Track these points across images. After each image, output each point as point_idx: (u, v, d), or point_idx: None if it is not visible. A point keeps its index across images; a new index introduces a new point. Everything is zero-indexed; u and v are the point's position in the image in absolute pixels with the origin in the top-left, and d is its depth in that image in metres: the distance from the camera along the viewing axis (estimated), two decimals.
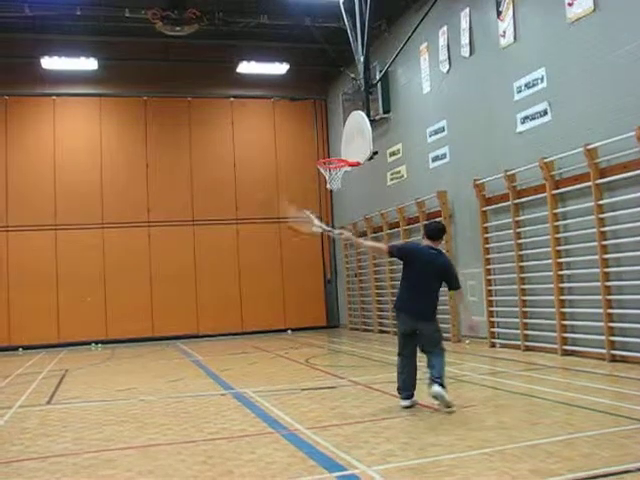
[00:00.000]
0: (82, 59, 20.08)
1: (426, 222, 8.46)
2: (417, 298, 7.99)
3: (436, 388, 7.57)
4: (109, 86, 21.97)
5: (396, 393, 8.17)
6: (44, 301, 20.86)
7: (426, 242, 8.17)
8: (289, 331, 22.45)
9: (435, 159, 16.74)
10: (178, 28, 18.24)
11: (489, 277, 14.45)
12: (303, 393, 9.60)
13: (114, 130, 22.34)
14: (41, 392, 11.08)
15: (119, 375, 13.38)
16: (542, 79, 12.67)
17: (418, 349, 8.01)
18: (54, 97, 21.68)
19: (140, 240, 21.95)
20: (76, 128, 22.00)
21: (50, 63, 19.95)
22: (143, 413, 8.66)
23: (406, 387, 7.97)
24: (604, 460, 5.35)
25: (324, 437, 6.63)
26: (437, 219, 14.76)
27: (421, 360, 8.01)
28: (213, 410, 8.59)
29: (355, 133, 13.77)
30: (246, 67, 21.75)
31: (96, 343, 20.81)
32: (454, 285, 8.18)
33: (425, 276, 7.97)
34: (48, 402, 10.02)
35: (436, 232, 8.24)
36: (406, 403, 7.89)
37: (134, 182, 22.12)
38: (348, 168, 13.84)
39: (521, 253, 13.30)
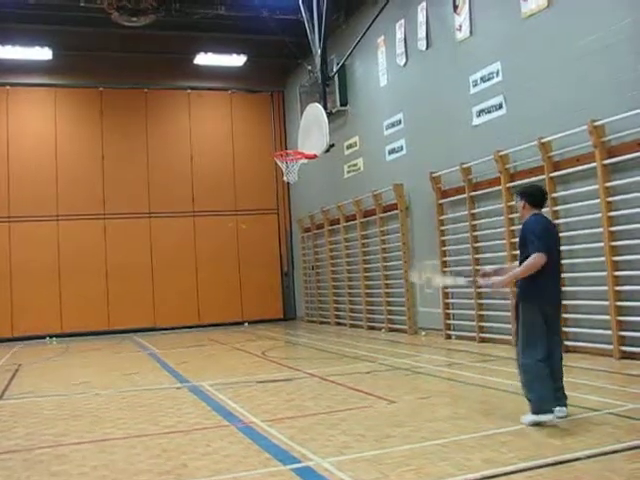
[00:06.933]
0: (36, 48, 19.80)
1: (527, 187, 7.19)
2: (558, 278, 6.78)
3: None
4: (64, 76, 21.61)
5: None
6: None
7: (535, 211, 6.70)
8: (246, 324, 22.40)
9: (392, 152, 16.80)
10: (134, 19, 18.00)
11: (445, 269, 14.55)
12: (259, 386, 9.59)
13: (69, 121, 22.03)
14: None
15: (74, 369, 13.24)
16: (497, 73, 12.78)
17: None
18: (7, 87, 21.28)
19: (96, 232, 21.70)
20: (30, 119, 21.63)
21: (3, 52, 19.61)
22: (98, 407, 8.58)
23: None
24: (556, 448, 5.43)
25: (279, 429, 6.63)
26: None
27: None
28: (169, 403, 8.54)
29: (312, 125, 13.77)
30: (203, 58, 21.62)
31: (51, 337, 20.55)
32: None
33: (556, 252, 6.66)
34: (0, 397, 9.88)
35: (544, 198, 6.88)
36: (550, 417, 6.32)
37: (89, 174, 21.84)
38: (305, 160, 13.85)
39: (476, 245, 13.42)
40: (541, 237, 6.43)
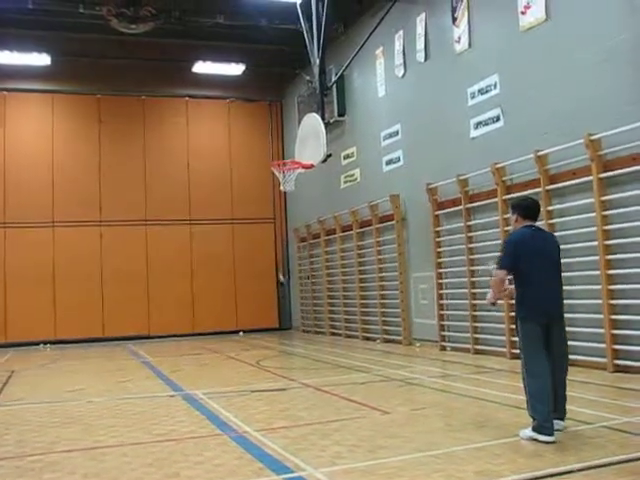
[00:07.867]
0: (34, 54, 19.78)
1: (519, 200, 7.11)
2: (550, 290, 6.56)
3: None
4: (62, 83, 21.61)
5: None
6: None
7: (526, 223, 6.66)
8: (241, 333, 22.35)
9: (389, 163, 16.82)
10: (133, 26, 17.98)
11: (440, 281, 14.55)
12: (253, 395, 9.56)
13: (66, 127, 22.01)
14: None
15: (67, 376, 13.20)
16: (495, 85, 12.82)
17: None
18: (4, 92, 21.28)
19: (91, 239, 21.66)
20: (27, 125, 21.62)
21: (1, 57, 19.56)
22: (90, 415, 8.54)
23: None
24: (548, 461, 5.42)
25: (272, 439, 6.61)
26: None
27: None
28: (162, 412, 8.51)
29: (309, 135, 13.79)
30: (202, 67, 21.63)
31: (45, 343, 20.48)
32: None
33: (547, 264, 6.50)
34: None
35: (536, 210, 6.83)
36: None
37: (86, 180, 21.82)
38: (302, 170, 13.86)
39: (472, 257, 13.42)
40: (506, 253, 6.49)
